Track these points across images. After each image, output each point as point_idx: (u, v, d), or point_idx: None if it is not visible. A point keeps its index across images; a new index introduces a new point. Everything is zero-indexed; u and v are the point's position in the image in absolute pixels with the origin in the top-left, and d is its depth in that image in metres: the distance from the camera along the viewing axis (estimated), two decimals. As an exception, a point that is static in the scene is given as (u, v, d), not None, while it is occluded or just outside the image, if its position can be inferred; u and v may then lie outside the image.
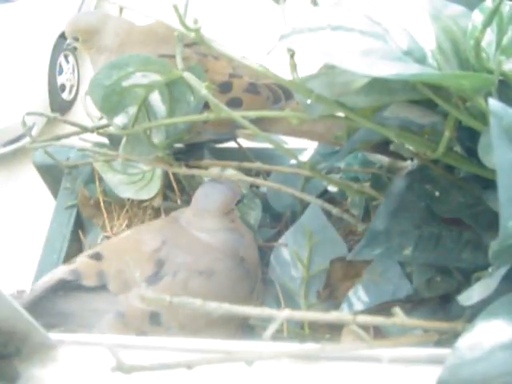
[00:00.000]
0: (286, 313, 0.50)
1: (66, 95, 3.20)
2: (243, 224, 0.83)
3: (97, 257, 0.73)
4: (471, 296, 0.53)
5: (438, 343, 0.53)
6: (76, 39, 0.87)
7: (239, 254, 0.78)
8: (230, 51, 0.67)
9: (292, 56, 0.61)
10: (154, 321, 0.69)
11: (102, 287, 0.71)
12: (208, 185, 0.81)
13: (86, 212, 0.93)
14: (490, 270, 0.53)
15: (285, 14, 0.61)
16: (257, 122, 0.72)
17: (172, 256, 0.74)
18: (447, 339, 0.53)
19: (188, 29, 0.64)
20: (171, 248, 0.75)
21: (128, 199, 0.92)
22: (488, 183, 0.58)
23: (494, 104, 0.45)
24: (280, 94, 0.84)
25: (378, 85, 0.56)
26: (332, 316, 0.52)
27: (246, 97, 0.82)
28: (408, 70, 0.50)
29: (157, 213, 0.92)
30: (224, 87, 0.82)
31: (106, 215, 0.92)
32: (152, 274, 0.71)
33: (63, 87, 3.20)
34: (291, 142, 0.88)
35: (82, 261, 0.73)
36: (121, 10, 0.73)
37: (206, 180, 0.84)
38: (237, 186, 0.82)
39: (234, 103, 0.81)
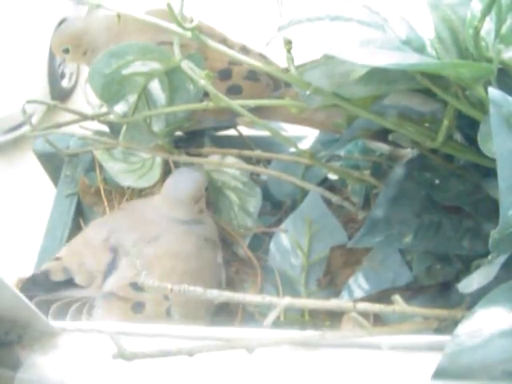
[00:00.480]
0: (286, 300, 0.50)
1: (65, 83, 3.19)
2: (210, 217, 0.84)
3: (57, 259, 0.76)
4: (471, 283, 0.53)
5: (438, 330, 0.53)
6: (66, 51, 0.85)
7: (203, 236, 0.80)
8: (227, 49, 0.67)
9: (289, 50, 0.61)
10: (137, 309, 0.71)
11: (69, 281, 0.73)
12: (179, 173, 0.82)
13: (86, 200, 0.93)
14: (489, 257, 0.53)
15: (281, 4, 0.60)
16: (257, 109, 0.72)
17: (122, 241, 0.76)
18: (447, 326, 0.53)
19: (184, 28, 0.64)
20: (119, 234, 0.77)
21: (128, 187, 0.92)
22: (487, 171, 0.58)
23: (493, 93, 0.45)
24: (280, 81, 0.84)
25: (376, 74, 0.56)
26: (332, 303, 0.52)
27: (245, 84, 0.82)
28: (407, 59, 0.50)
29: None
30: (224, 74, 0.81)
31: (106, 203, 0.92)
32: (111, 260, 0.74)
33: (63, 75, 3.18)
34: (291, 130, 0.87)
35: (47, 264, 0.76)
36: (118, 16, 0.71)
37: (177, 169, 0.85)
38: (203, 172, 0.83)
39: (234, 90, 0.81)
